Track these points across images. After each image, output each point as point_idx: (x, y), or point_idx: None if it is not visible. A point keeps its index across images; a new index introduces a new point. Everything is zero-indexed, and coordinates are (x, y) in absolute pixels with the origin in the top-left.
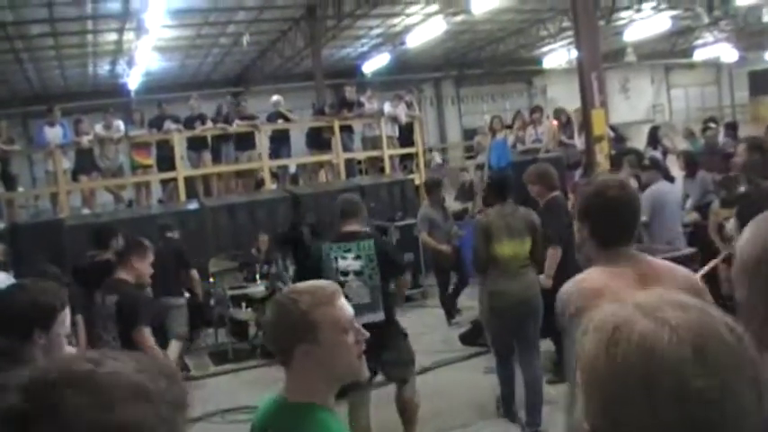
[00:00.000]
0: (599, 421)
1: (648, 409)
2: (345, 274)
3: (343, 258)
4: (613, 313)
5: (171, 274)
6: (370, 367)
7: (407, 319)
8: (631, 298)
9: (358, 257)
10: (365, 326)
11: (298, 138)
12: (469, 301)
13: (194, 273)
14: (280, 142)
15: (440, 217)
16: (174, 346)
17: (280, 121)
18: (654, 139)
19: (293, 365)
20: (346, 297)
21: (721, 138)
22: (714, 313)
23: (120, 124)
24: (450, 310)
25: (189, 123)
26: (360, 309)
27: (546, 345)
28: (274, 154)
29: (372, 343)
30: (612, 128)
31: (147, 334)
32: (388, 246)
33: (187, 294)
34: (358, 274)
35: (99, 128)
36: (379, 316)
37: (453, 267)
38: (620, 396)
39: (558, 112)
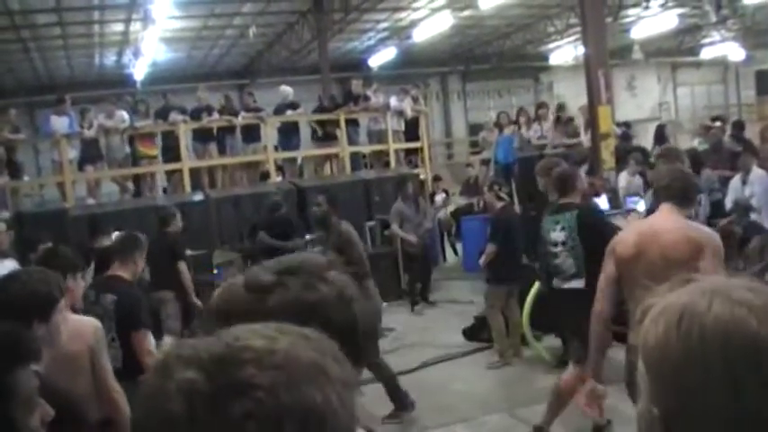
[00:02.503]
0: (670, 405)
1: (731, 393)
2: (555, 245)
3: (553, 230)
4: (679, 297)
5: (164, 268)
6: (571, 330)
7: (410, 314)
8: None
9: (563, 229)
10: (569, 291)
11: (304, 130)
12: (471, 296)
13: (182, 266)
14: (289, 134)
15: (411, 211)
16: (169, 342)
17: (289, 112)
18: (661, 137)
19: None
20: (556, 268)
21: (727, 137)
22: None
23: (124, 115)
24: (415, 299)
25: (196, 114)
26: (568, 277)
27: (551, 341)
28: (284, 145)
29: (574, 307)
30: (626, 124)
31: (148, 337)
32: (590, 218)
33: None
34: (563, 244)
35: (102, 117)
36: (581, 283)
37: (418, 258)
38: (699, 381)
39: (560, 109)
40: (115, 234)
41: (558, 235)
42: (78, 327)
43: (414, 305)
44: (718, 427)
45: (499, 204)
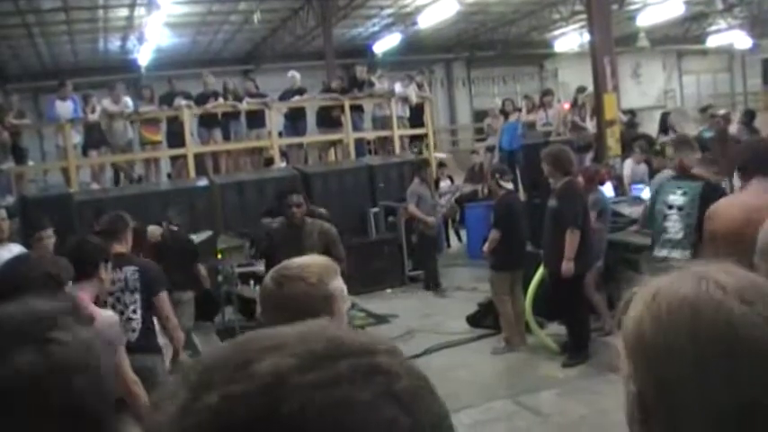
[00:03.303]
0: (645, 385)
1: (696, 363)
2: (671, 207)
3: (674, 193)
4: (658, 280)
5: (182, 268)
6: None
7: (414, 300)
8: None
9: (684, 194)
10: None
11: (310, 116)
12: (475, 282)
13: (201, 268)
14: (296, 119)
15: (427, 193)
16: (181, 337)
17: (296, 97)
18: (665, 125)
19: None
20: (664, 230)
21: (736, 126)
22: (763, 279)
23: (128, 100)
24: (438, 281)
25: (202, 100)
26: (670, 243)
27: (556, 328)
28: (291, 131)
29: None
30: (631, 112)
31: (167, 299)
32: (714, 193)
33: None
34: (680, 209)
35: (107, 102)
36: (685, 254)
37: (436, 239)
38: (668, 356)
39: (580, 91)
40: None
41: (676, 198)
42: (98, 320)
43: (437, 287)
44: (690, 405)
45: (502, 191)
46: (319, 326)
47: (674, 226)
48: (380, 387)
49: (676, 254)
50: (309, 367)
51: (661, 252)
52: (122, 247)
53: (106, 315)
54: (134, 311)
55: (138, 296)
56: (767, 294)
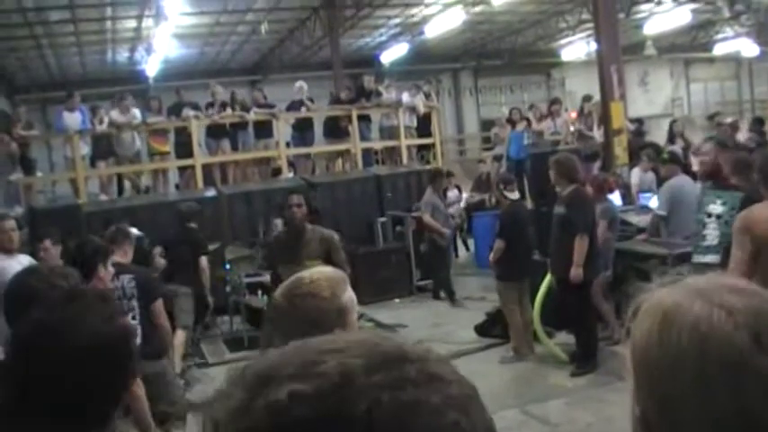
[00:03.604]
0: (649, 405)
1: (702, 393)
2: (710, 215)
3: (713, 203)
4: (666, 296)
5: (185, 262)
6: None
7: (422, 310)
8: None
9: (724, 203)
10: (703, 265)
11: (317, 127)
12: (482, 293)
13: (203, 261)
14: (304, 130)
15: (441, 203)
16: (181, 336)
17: (303, 108)
18: (672, 134)
19: None
20: (703, 238)
21: (745, 133)
22: None
23: (137, 111)
24: (452, 291)
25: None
26: (705, 249)
27: (564, 337)
28: (298, 141)
29: None
30: (639, 120)
31: (162, 307)
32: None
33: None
34: (719, 217)
35: (115, 114)
36: (715, 259)
37: (448, 249)
38: (673, 380)
39: (586, 99)
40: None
41: (716, 207)
42: None
43: (452, 295)
44: (693, 429)
45: (507, 201)
46: (367, 333)
47: (712, 233)
48: (443, 392)
49: (709, 258)
50: (377, 368)
51: (698, 258)
52: (121, 257)
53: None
54: (133, 318)
55: (135, 303)
56: None
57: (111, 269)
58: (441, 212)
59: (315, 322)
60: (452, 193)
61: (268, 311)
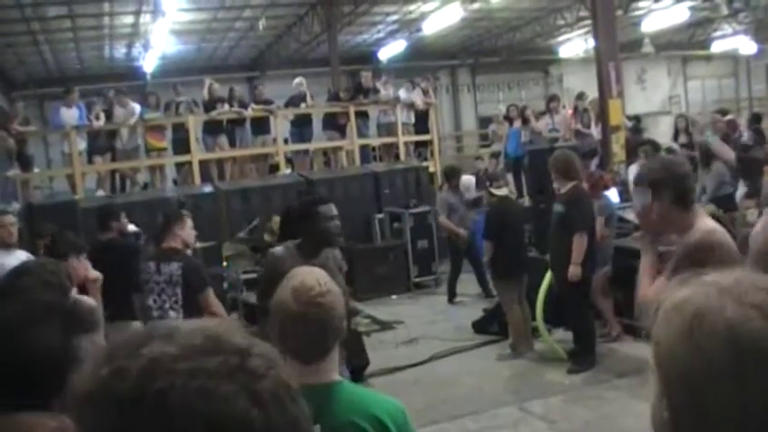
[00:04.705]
0: (679, 408)
1: (739, 396)
2: None
3: None
4: (693, 295)
5: None
6: None
7: (420, 307)
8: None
9: None
10: None
11: (315, 122)
12: (480, 289)
13: None
14: (302, 126)
15: (458, 202)
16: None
17: (303, 105)
18: (677, 130)
19: (332, 353)
20: None
21: (746, 133)
22: None
23: (137, 107)
24: (454, 292)
25: (208, 107)
26: None
27: (562, 334)
28: (297, 137)
29: None
30: (636, 117)
31: (213, 296)
32: None
33: None
34: None
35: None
36: None
37: (466, 251)
38: (708, 384)
39: (579, 97)
40: (125, 219)
41: None
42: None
43: (452, 297)
44: (725, 428)
45: (493, 199)
46: (212, 325)
47: None
48: (241, 384)
49: None
50: (183, 357)
51: None
52: (174, 241)
53: (85, 301)
54: (175, 303)
55: (179, 291)
56: None
57: (86, 263)
58: (457, 212)
59: (323, 327)
60: None
61: (274, 309)
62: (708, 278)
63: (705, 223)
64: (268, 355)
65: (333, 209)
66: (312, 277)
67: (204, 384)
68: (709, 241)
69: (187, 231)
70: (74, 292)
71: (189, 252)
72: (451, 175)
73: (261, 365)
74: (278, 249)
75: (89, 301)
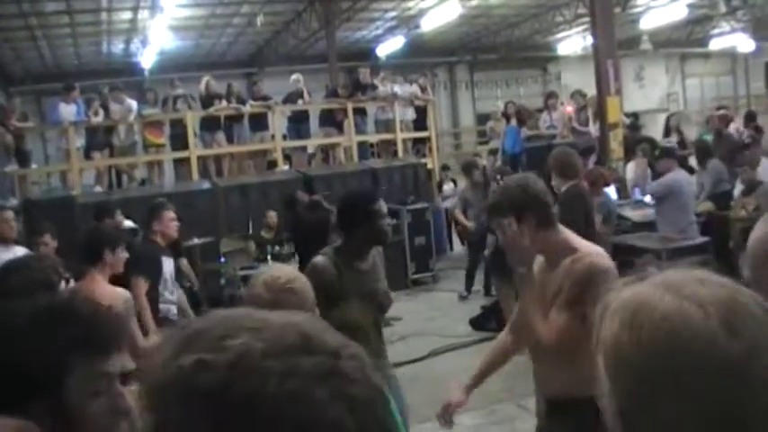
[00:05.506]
0: (626, 403)
1: (679, 387)
2: None
3: None
4: (634, 293)
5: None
6: None
7: (417, 303)
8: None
9: None
10: None
11: (312, 119)
12: (478, 285)
13: (183, 262)
14: (299, 122)
15: (476, 198)
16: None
17: (300, 101)
18: (668, 128)
19: None
20: None
21: (746, 132)
22: (740, 288)
23: (133, 103)
24: (471, 283)
25: (206, 103)
26: None
27: None
28: (294, 134)
29: None
30: (634, 115)
31: (140, 284)
32: None
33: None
34: None
35: (112, 105)
36: None
37: (479, 244)
38: (648, 376)
39: (575, 95)
40: (120, 216)
41: None
42: (109, 297)
43: (468, 288)
44: (668, 426)
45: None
46: (298, 319)
47: None
48: (335, 388)
49: None
50: (274, 354)
51: None
52: (153, 235)
53: (119, 291)
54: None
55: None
56: (745, 308)
57: (123, 255)
58: (474, 207)
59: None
60: (448, 187)
61: (246, 301)
62: (654, 278)
63: (585, 245)
64: (359, 357)
65: (384, 205)
66: (280, 271)
67: (299, 387)
68: (604, 266)
69: (165, 224)
70: (104, 282)
71: (185, 245)
72: (468, 169)
73: (354, 368)
74: (319, 259)
75: (118, 290)
